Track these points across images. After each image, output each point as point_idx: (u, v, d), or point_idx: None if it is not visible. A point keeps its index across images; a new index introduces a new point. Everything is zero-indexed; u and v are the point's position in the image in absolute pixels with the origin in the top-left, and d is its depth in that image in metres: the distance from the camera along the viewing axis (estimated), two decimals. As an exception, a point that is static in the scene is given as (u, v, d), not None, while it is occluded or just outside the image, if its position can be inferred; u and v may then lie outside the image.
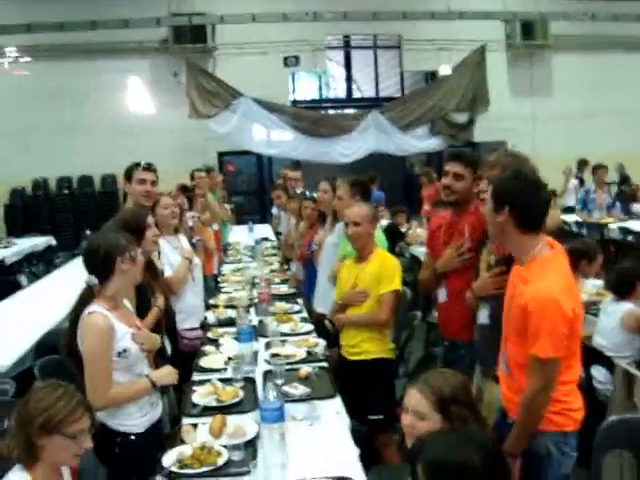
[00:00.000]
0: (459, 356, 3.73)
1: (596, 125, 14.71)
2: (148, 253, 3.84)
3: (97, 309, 2.88)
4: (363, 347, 4.07)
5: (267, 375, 3.63)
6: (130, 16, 12.56)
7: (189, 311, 4.65)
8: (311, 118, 13.93)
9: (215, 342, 4.35)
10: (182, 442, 2.85)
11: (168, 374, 3.18)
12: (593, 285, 5.45)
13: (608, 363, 4.03)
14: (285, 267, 6.93)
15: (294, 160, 13.39)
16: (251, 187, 15.48)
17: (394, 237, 7.93)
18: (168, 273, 4.39)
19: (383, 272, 4.01)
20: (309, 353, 4.04)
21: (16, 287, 7.44)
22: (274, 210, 9.27)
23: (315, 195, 5.73)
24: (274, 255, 7.87)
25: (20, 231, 12.78)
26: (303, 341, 4.25)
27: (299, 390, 3.40)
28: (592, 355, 4.09)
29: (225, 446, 2.74)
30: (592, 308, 4.85)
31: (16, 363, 4.42)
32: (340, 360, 4.19)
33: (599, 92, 14.74)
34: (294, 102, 14.99)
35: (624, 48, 14.92)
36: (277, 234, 8.95)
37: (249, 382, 3.57)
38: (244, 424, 2.92)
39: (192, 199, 6.29)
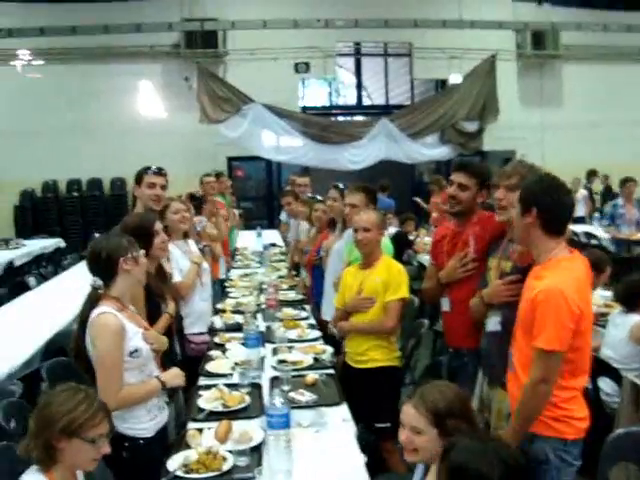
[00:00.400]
0: (463, 364, 3.72)
1: (605, 135, 14.67)
2: (157, 259, 3.86)
3: (107, 309, 2.89)
4: (370, 355, 4.06)
5: (274, 381, 3.63)
6: (142, 20, 12.62)
7: (197, 316, 4.65)
8: (321, 125, 13.94)
9: (222, 347, 4.35)
10: (188, 447, 2.85)
11: (177, 375, 3.18)
12: (601, 296, 5.43)
13: (615, 375, 4.02)
14: (294, 273, 6.93)
15: (303, 166, 13.46)
16: (260, 192, 15.52)
17: (402, 245, 7.92)
18: (177, 278, 4.39)
19: (390, 279, 4.00)
20: (316, 360, 4.04)
21: (25, 288, 7.47)
22: (282, 216, 9.28)
23: (325, 202, 5.74)
24: (282, 261, 7.88)
25: (29, 233, 12.84)
26: (310, 348, 4.25)
27: (305, 397, 3.39)
28: (600, 367, 4.08)
29: (231, 451, 2.74)
30: (600, 320, 4.84)
31: (24, 365, 4.43)
32: (345, 367, 4.18)
33: (609, 103, 14.70)
34: (304, 108, 15.03)
35: (635, 59, 14.90)
36: (285, 240, 8.96)
37: (255, 388, 3.57)
38: (250, 430, 2.93)
39: (200, 206, 6.30)
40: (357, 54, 15.69)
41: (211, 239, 6.06)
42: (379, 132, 13.76)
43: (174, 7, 13.37)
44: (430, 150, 14.19)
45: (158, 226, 3.86)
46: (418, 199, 12.08)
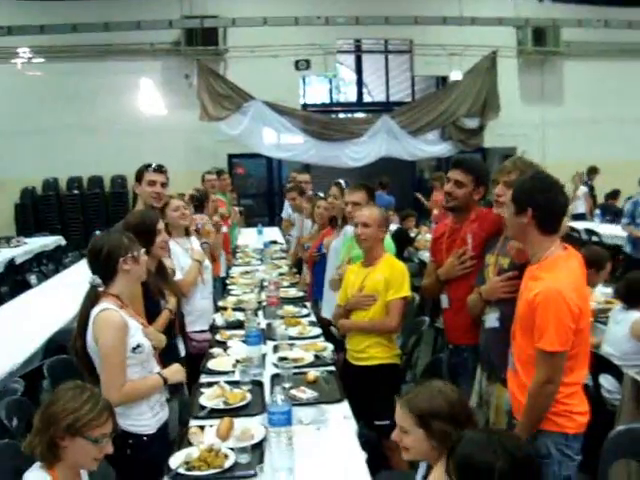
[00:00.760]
0: (463, 360, 3.75)
1: (606, 132, 14.66)
2: (158, 257, 3.86)
3: (109, 306, 2.90)
4: (369, 352, 4.06)
5: (275, 378, 3.64)
6: (142, 18, 12.60)
7: (198, 313, 4.67)
8: (321, 122, 13.93)
9: (223, 344, 4.36)
10: (189, 444, 2.86)
11: (178, 371, 3.19)
12: (602, 293, 5.43)
13: (617, 372, 4.02)
14: (294, 270, 6.93)
15: (303, 164, 13.45)
16: (260, 190, 15.52)
17: (402, 242, 7.93)
18: (178, 276, 4.39)
19: (392, 278, 4.00)
20: (317, 357, 4.04)
21: (26, 286, 7.49)
22: (284, 213, 9.29)
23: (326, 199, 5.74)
24: (283, 258, 7.88)
25: (30, 231, 12.85)
26: (311, 345, 4.25)
27: (306, 394, 3.40)
28: (601, 364, 4.08)
29: (232, 449, 2.74)
30: (601, 316, 4.84)
31: (25, 362, 4.45)
32: (345, 365, 4.19)
33: (610, 99, 14.67)
34: (304, 105, 15.02)
35: (636, 55, 14.84)
36: (286, 237, 8.95)
37: (257, 385, 3.58)
38: (251, 427, 2.93)
39: (202, 204, 6.30)
40: (357, 51, 15.67)
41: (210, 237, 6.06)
42: (380, 129, 13.74)
43: (174, 4, 13.36)
44: (431, 147, 14.18)
45: (160, 225, 3.86)
46: (419, 195, 12.09)
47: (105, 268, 2.98)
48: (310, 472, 2.66)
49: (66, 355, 3.91)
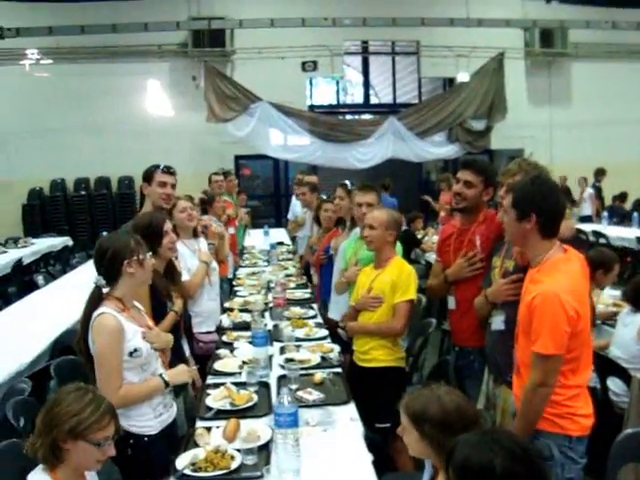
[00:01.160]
0: (469, 362, 3.75)
1: (614, 134, 14.63)
2: (166, 258, 3.86)
3: (106, 310, 2.89)
4: (373, 354, 4.05)
5: (281, 380, 3.63)
6: (150, 19, 12.64)
7: (205, 315, 4.67)
8: (328, 123, 13.95)
9: (230, 346, 4.36)
10: (196, 445, 2.86)
11: (181, 372, 3.18)
12: (610, 295, 5.41)
13: (625, 375, 4.00)
14: (301, 271, 6.92)
15: (310, 165, 13.46)
16: (267, 191, 15.53)
17: (409, 244, 7.91)
18: (185, 277, 4.39)
19: (399, 280, 4.00)
20: (323, 359, 4.03)
21: (33, 287, 7.50)
22: (290, 215, 9.28)
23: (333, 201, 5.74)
24: (289, 259, 7.88)
25: (38, 231, 12.90)
26: (318, 346, 4.24)
27: (313, 395, 3.39)
28: (609, 366, 4.07)
29: (239, 450, 2.74)
30: (609, 320, 4.83)
31: (32, 362, 4.45)
32: (351, 366, 4.19)
33: (617, 101, 14.64)
34: (311, 107, 15.03)
35: (644, 57, 14.83)
36: (293, 238, 8.95)
37: (263, 386, 3.57)
38: (258, 428, 2.93)
39: (210, 205, 6.31)
40: (365, 52, 15.67)
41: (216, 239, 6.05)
42: (387, 130, 13.75)
43: (182, 6, 13.43)
44: (438, 148, 14.17)
45: (168, 226, 3.86)
46: (427, 197, 12.06)
47: (109, 269, 2.98)
48: (316, 474, 2.65)
49: (73, 356, 3.91)
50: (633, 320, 4.37)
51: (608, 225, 11.35)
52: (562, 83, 15.22)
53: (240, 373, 3.78)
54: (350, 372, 4.05)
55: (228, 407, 3.27)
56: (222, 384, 3.54)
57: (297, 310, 5.25)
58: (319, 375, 3.68)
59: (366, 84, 15.92)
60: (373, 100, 16.48)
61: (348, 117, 15.78)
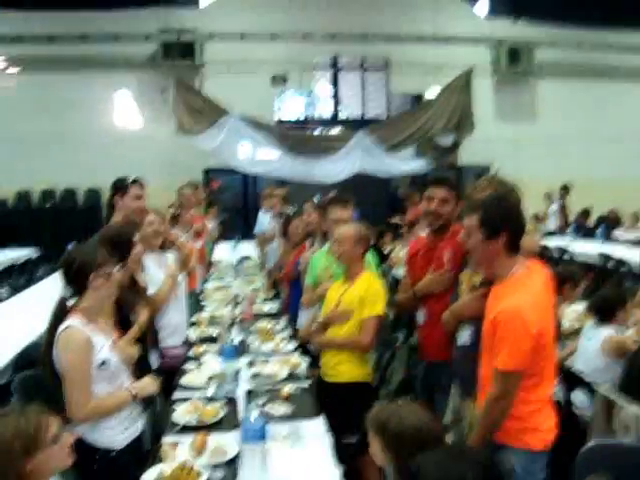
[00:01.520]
0: (437, 377, 3.76)
1: (579, 150, 14.92)
2: (131, 270, 3.83)
3: (72, 323, 2.87)
4: (339, 369, 4.06)
5: (249, 394, 3.61)
6: (120, 31, 12.59)
7: (172, 328, 4.62)
8: (296, 138, 13.95)
9: (197, 360, 4.33)
10: (162, 461, 2.82)
11: (149, 384, 3.16)
12: (573, 310, 5.48)
13: (588, 388, 4.05)
14: (272, 285, 6.89)
15: (278, 179, 13.45)
16: (236, 204, 15.46)
17: (376, 258, 7.92)
18: (152, 290, 4.36)
19: (367, 295, 4.00)
20: (292, 373, 4.02)
21: (-4, 299, 7.37)
22: (256, 229, 9.24)
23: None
24: (256, 274, 7.85)
25: (1, 243, 12.67)
26: (286, 360, 4.23)
27: (281, 410, 3.38)
28: (573, 380, 4.12)
29: (205, 466, 2.72)
30: (574, 336, 4.89)
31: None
32: (319, 381, 4.18)
33: (583, 118, 14.98)
34: (280, 121, 15.04)
35: (608, 76, 15.13)
36: (262, 252, 8.91)
37: (230, 401, 3.55)
38: (225, 443, 2.91)
39: (177, 218, 6.28)
40: (334, 67, 15.75)
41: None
42: (355, 145, 13.77)
43: (151, 18, 13.36)
44: (405, 164, 14.22)
45: (136, 237, 3.84)
46: (396, 220, 11.98)
47: (76, 281, 2.96)
48: (284, 489, 2.64)
49: (35, 370, 3.85)
50: (596, 334, 4.44)
51: (573, 240, 11.51)
52: (528, 100, 15.48)
53: (207, 388, 3.76)
54: (318, 387, 4.04)
55: (195, 422, 3.24)
56: (189, 399, 3.51)
57: (265, 324, 5.24)
58: (287, 389, 3.67)
59: (335, 98, 15.99)
60: (342, 115, 16.54)
61: (316, 132, 15.81)
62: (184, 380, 3.93)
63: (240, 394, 3.67)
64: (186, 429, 3.18)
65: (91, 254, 3.01)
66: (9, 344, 5.03)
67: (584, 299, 5.35)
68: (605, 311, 4.50)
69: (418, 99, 15.45)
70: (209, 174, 14.54)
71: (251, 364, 4.17)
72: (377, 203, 14.35)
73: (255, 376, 3.89)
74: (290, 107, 15.68)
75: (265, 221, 8.62)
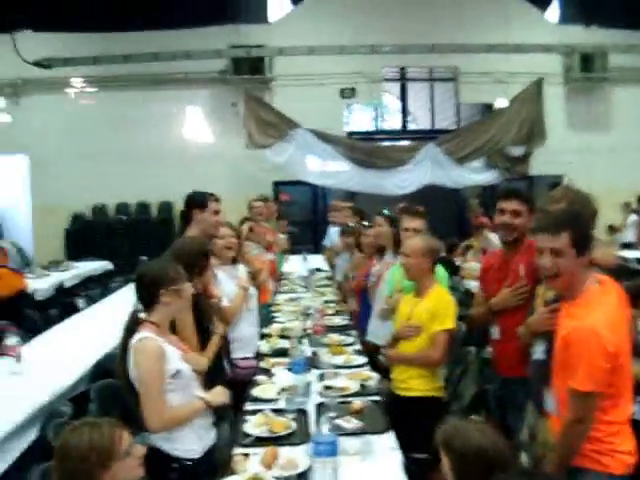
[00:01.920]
0: (512, 392, 3.68)
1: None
2: (205, 283, 3.90)
3: (146, 334, 2.93)
4: (411, 384, 4.03)
5: (320, 408, 3.61)
6: (191, 48, 12.89)
7: (244, 341, 4.68)
8: (365, 149, 13.97)
9: (268, 372, 4.36)
10: (234, 472, 2.85)
11: (220, 394, 3.19)
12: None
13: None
14: (342, 298, 6.88)
15: (348, 191, 13.48)
16: (305, 217, 15.52)
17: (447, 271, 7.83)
18: (224, 303, 4.42)
19: (438, 309, 3.97)
20: (362, 386, 4.01)
21: (74, 310, 7.61)
22: (326, 241, 9.26)
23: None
24: (327, 286, 7.86)
25: (79, 255, 13.09)
26: (356, 374, 4.22)
27: (352, 424, 3.37)
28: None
29: (277, 478, 2.73)
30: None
31: (73, 385, 4.50)
32: (390, 394, 4.15)
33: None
34: (349, 133, 15.07)
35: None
36: (331, 265, 8.93)
37: (301, 414, 3.56)
38: (296, 456, 2.92)
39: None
40: (403, 79, 15.71)
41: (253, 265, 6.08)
42: (425, 157, 13.69)
43: (222, 34, 13.62)
44: (476, 175, 14.05)
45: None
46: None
47: (146, 296, 3.02)
48: (355, 504, 2.63)
49: (112, 379, 3.95)
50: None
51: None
52: (602, 108, 15.01)
53: (278, 400, 3.78)
54: (389, 401, 4.02)
55: (266, 434, 3.26)
56: (260, 411, 3.54)
57: (336, 337, 5.24)
58: (358, 403, 3.65)
59: (404, 110, 15.94)
60: (411, 126, 16.48)
61: (385, 143, 15.78)
62: (255, 392, 3.96)
63: (311, 407, 3.68)
64: (258, 441, 3.20)
65: (162, 269, 3.07)
66: (88, 352, 5.19)
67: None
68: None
69: (488, 109, 15.24)
70: (278, 187, 14.67)
71: (322, 377, 4.18)
72: (446, 215, 14.20)
73: (326, 389, 3.89)
74: (359, 119, 15.71)
75: (334, 234, 8.63)
